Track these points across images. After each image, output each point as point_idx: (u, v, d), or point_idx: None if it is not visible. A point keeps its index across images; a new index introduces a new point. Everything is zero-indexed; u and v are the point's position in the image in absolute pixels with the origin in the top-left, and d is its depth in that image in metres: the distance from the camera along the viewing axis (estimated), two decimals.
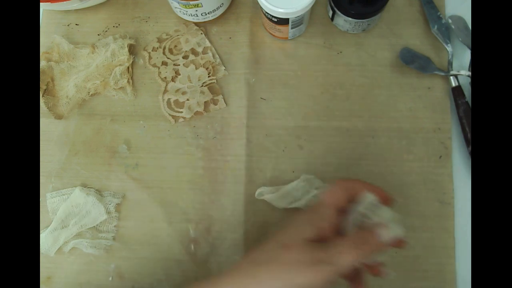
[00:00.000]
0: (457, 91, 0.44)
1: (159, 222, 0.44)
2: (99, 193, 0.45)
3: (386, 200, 0.33)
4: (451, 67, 0.45)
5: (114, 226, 0.44)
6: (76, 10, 0.50)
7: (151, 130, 0.47)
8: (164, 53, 0.49)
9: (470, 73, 0.44)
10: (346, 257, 0.29)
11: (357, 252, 0.29)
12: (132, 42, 0.48)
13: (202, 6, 0.44)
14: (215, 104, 0.47)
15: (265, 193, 0.43)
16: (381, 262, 0.33)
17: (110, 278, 0.43)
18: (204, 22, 0.48)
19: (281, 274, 0.30)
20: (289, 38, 0.47)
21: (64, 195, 0.45)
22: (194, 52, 0.48)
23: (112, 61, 0.48)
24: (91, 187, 0.45)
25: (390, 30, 0.48)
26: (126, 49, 0.48)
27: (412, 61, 0.45)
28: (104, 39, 0.49)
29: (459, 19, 0.46)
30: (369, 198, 0.32)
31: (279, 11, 0.41)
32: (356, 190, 0.33)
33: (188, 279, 0.43)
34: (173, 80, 0.48)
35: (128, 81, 0.48)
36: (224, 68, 0.48)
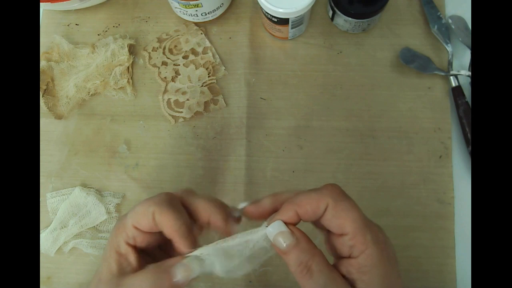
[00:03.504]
0: (457, 91, 0.44)
1: None
2: (99, 193, 0.45)
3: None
4: (451, 67, 0.45)
5: None
6: (76, 10, 0.50)
7: (151, 130, 0.47)
8: (164, 53, 0.48)
9: (470, 73, 0.44)
10: None
11: None
12: (132, 42, 0.48)
13: (202, 6, 0.44)
14: (215, 104, 0.47)
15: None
16: None
17: None
18: (204, 22, 0.48)
19: None
20: (289, 38, 0.47)
21: (64, 195, 0.45)
22: (194, 52, 0.48)
23: (112, 61, 0.48)
24: (91, 187, 0.45)
25: (390, 30, 0.48)
26: (126, 49, 0.48)
27: (412, 61, 0.45)
28: (104, 39, 0.49)
29: (459, 19, 0.46)
30: None
31: (279, 11, 0.41)
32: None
33: None
34: (173, 80, 0.48)
35: (128, 81, 0.48)
36: (224, 68, 0.48)
